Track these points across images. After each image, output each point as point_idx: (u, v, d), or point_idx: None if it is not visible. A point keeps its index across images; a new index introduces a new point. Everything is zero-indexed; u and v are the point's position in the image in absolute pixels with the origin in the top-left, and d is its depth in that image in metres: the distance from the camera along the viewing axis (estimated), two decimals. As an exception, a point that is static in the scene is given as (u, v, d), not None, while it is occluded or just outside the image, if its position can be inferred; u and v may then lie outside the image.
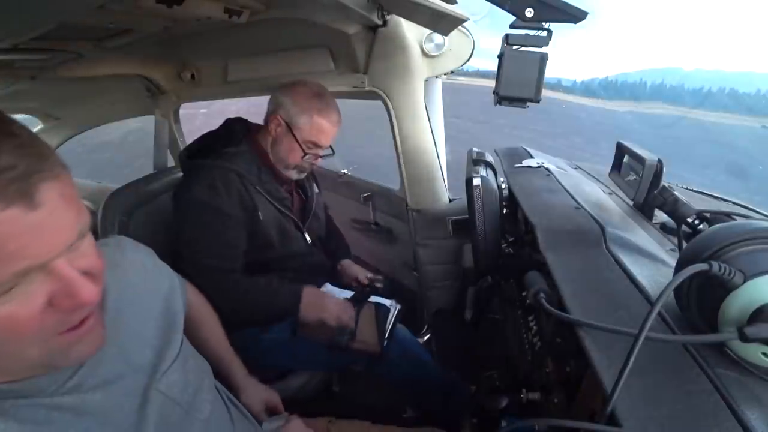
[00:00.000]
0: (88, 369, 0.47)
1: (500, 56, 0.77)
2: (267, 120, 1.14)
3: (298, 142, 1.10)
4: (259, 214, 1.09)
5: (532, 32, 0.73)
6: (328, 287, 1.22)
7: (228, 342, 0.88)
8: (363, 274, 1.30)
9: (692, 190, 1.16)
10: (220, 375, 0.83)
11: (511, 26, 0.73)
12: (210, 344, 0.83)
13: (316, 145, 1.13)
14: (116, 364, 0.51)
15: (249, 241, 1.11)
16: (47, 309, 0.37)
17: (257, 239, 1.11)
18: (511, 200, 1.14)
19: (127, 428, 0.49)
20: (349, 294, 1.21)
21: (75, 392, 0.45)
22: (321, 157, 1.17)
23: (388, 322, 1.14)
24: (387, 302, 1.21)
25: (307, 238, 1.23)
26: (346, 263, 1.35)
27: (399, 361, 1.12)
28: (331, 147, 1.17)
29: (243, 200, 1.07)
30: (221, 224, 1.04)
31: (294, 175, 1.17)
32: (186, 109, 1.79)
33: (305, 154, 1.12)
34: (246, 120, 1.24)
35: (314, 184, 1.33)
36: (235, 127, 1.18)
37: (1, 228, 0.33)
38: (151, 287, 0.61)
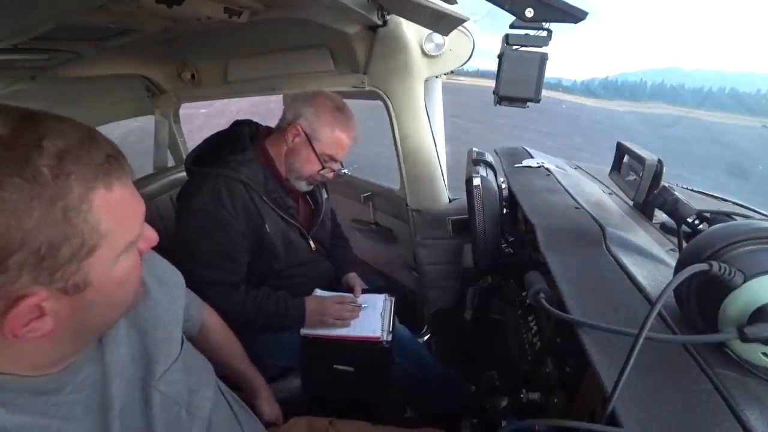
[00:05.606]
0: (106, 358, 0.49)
1: (500, 56, 0.77)
2: (283, 128, 1.11)
3: (316, 154, 1.09)
4: (266, 226, 1.08)
5: (532, 32, 0.73)
6: (317, 293, 1.21)
7: (246, 356, 0.92)
8: (360, 288, 1.27)
9: (692, 190, 1.16)
10: (241, 386, 0.88)
11: (511, 26, 0.73)
12: (232, 364, 0.89)
13: (333, 159, 1.12)
14: (135, 347, 0.53)
15: (255, 253, 1.09)
16: None
17: (263, 251, 1.10)
18: (511, 200, 1.14)
19: (139, 426, 0.51)
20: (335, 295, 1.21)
21: (92, 387, 0.47)
22: (335, 171, 1.16)
23: (389, 314, 1.14)
24: (379, 296, 1.20)
25: (311, 245, 1.22)
26: (351, 276, 1.32)
27: (399, 359, 1.12)
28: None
29: (249, 212, 1.05)
30: (224, 236, 1.03)
31: (303, 186, 1.16)
32: (186, 109, 1.79)
33: (323, 167, 1.11)
34: (255, 123, 1.21)
35: (324, 190, 1.31)
36: (242, 131, 1.15)
37: (136, 195, 0.44)
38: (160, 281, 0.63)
